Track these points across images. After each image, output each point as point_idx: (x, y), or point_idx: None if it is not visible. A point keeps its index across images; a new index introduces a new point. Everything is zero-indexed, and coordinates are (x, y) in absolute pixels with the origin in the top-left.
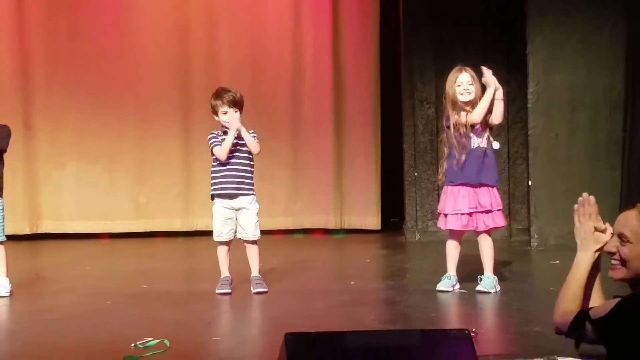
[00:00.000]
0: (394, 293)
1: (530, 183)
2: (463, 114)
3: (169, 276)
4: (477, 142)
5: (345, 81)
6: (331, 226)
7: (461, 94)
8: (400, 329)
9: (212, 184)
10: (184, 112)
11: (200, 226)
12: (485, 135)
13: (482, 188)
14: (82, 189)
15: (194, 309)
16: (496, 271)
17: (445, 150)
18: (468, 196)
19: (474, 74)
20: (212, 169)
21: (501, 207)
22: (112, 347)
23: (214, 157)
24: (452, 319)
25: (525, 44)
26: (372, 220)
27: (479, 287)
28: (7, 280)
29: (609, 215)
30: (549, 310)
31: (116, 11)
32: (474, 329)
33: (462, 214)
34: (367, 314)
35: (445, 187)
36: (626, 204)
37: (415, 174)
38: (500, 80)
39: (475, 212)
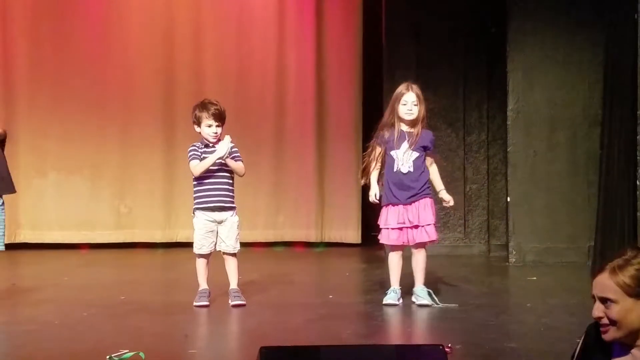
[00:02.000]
0: (372, 307)
1: (509, 199)
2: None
3: (147, 287)
4: (401, 165)
5: (328, 95)
6: (312, 239)
7: (405, 113)
8: (376, 343)
9: (197, 197)
10: (168, 123)
11: (180, 237)
12: (415, 156)
13: (412, 204)
14: (63, 198)
15: (171, 321)
16: (474, 286)
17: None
18: (398, 212)
19: (419, 94)
20: (196, 182)
21: (431, 223)
22: (88, 359)
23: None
24: (429, 334)
25: (506, 62)
26: (352, 234)
27: (419, 302)
28: None
29: (586, 231)
30: (525, 326)
31: (102, 20)
32: (449, 345)
33: (392, 229)
34: (344, 328)
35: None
36: (602, 221)
37: None
38: (480, 98)
39: (404, 227)
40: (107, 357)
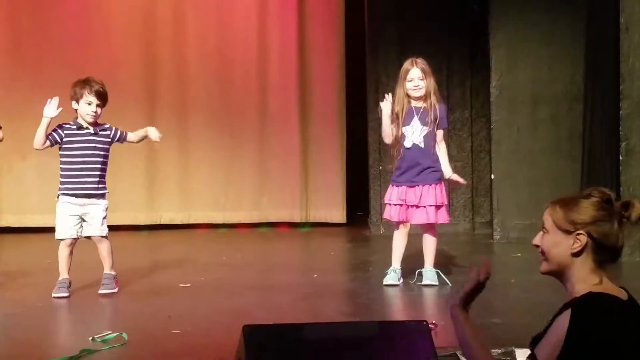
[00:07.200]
0: (357, 286)
1: (492, 176)
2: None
3: (130, 269)
4: (411, 140)
5: (311, 76)
6: (297, 220)
7: (412, 90)
8: (360, 320)
9: (62, 182)
10: (149, 106)
11: (164, 220)
12: (426, 131)
13: (416, 186)
14: (44, 181)
15: (154, 301)
16: (458, 264)
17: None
18: (400, 191)
19: (425, 67)
20: (62, 164)
21: (433, 204)
22: (70, 341)
23: (66, 153)
24: (413, 311)
25: (488, 39)
26: (337, 213)
27: (424, 281)
28: None
29: None
30: (509, 302)
31: (81, 2)
32: (433, 321)
33: (394, 205)
34: (329, 307)
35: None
36: None
37: (380, 167)
38: (463, 75)
39: (404, 205)
40: (90, 338)
